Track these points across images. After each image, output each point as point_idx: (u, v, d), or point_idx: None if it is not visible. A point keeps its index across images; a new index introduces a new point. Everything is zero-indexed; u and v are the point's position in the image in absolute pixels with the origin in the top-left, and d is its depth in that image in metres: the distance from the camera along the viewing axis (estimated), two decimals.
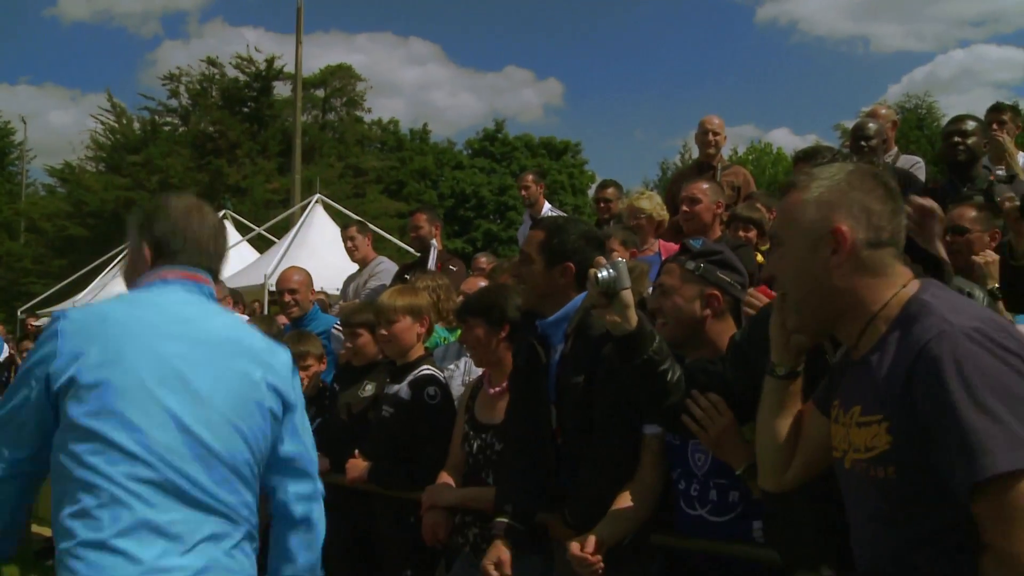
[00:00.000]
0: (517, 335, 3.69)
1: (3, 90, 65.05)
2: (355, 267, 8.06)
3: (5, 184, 46.82)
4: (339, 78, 44.37)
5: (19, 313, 19.27)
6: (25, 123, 49.29)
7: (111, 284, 16.93)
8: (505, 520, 3.37)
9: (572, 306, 3.34)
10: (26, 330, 15.70)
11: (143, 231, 2.40)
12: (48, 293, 20.14)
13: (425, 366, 4.35)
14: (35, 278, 33.60)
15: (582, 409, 3.25)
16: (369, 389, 4.60)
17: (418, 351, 4.43)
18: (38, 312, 17.71)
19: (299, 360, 5.05)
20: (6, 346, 11.92)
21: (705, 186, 5.64)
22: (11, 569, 7.38)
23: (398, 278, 6.74)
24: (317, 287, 7.74)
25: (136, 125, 39.39)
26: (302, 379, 5.00)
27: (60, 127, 67.81)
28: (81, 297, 17.94)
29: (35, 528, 8.38)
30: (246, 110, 39.43)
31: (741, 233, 5.46)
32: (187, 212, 2.44)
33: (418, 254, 7.43)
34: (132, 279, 2.43)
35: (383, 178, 42.89)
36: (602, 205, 7.59)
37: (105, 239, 27.79)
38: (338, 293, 9.17)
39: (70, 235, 35.65)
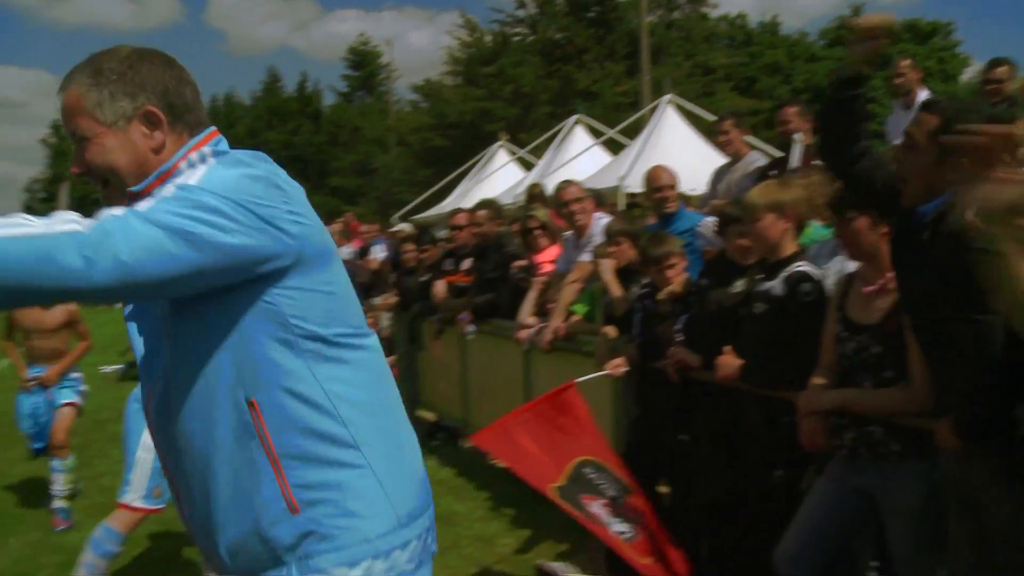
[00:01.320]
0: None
1: (371, 17, 70.39)
2: (708, 168, 7.96)
3: (376, 103, 51.07)
4: None
5: (392, 220, 20.64)
6: (391, 45, 53.36)
7: (474, 190, 17.54)
8: None
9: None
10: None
11: None
12: (416, 201, 21.33)
13: (800, 262, 4.17)
14: (405, 187, 36.50)
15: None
16: (740, 286, 4.50)
17: (790, 247, 4.24)
18: (411, 219, 18.85)
19: (663, 260, 5.08)
20: (385, 246, 12.99)
21: None
22: None
23: (762, 175, 6.55)
24: None
25: (488, 38, 41.03)
26: (669, 278, 5.08)
27: (420, 47, 72.40)
28: (447, 203, 18.82)
29: (420, 412, 9.25)
30: (591, 15, 39.71)
31: None
32: None
33: (779, 152, 7.15)
34: None
35: (732, 75, 41.73)
36: (991, 87, 6.85)
37: (465, 148, 29.45)
38: (692, 193, 9.11)
39: (433, 146, 38.15)
